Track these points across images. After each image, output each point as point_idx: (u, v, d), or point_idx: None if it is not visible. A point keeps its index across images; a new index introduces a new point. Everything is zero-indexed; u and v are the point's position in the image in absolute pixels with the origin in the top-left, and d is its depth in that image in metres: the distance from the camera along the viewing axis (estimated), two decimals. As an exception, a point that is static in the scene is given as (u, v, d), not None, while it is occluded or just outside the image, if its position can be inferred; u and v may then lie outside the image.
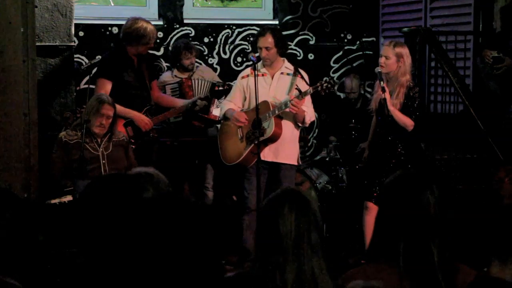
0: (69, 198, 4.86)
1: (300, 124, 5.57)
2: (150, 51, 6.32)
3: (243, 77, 5.62)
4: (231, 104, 5.64)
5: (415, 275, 2.31)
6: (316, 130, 7.79)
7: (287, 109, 5.32)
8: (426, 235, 2.37)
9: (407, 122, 5.28)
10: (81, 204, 2.13)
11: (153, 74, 6.13)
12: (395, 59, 5.31)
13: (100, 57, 6.02)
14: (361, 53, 7.81)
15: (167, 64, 7.25)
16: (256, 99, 5.22)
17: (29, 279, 2.34)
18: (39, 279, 2.63)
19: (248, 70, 5.61)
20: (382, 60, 5.35)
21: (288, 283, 2.16)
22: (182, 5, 7.34)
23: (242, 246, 5.44)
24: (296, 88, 5.37)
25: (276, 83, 5.50)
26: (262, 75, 5.53)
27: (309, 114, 5.46)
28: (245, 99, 5.62)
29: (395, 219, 2.41)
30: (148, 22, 5.82)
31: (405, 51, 5.35)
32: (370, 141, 5.67)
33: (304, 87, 5.45)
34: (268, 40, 5.42)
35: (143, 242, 2.07)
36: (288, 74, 5.57)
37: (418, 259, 2.35)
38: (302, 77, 5.56)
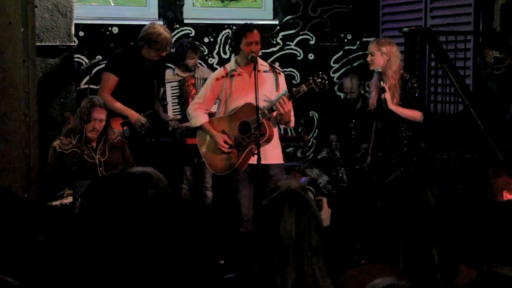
0: (69, 200, 4.86)
1: (283, 126, 5.43)
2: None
3: (217, 79, 5.32)
4: (204, 110, 5.35)
5: (414, 276, 2.31)
6: (316, 130, 7.79)
7: (276, 111, 5.13)
8: (427, 236, 2.37)
9: (414, 114, 5.29)
10: (85, 204, 2.13)
11: (161, 82, 6.13)
12: (379, 54, 5.34)
13: (99, 57, 6.03)
14: (361, 53, 7.81)
15: (168, 64, 7.23)
16: (256, 100, 4.97)
17: (29, 279, 2.34)
18: (39, 279, 2.63)
19: (222, 71, 5.36)
20: (368, 58, 5.41)
21: (289, 284, 2.16)
22: (182, 5, 7.34)
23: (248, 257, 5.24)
24: (289, 87, 5.27)
25: (255, 82, 5.05)
26: (239, 74, 5.29)
27: (293, 114, 5.26)
28: (219, 102, 5.38)
29: (396, 219, 2.41)
30: (165, 29, 5.82)
31: (389, 45, 5.37)
32: (372, 147, 5.62)
33: (284, 83, 5.36)
34: (257, 34, 5.22)
35: (144, 242, 2.07)
36: (265, 71, 5.32)
37: (418, 261, 2.35)
38: (280, 73, 5.39)
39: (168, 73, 6.67)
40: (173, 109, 6.36)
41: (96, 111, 5.15)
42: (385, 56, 5.33)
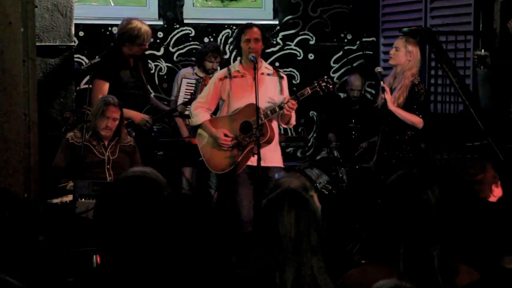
0: (70, 198, 4.86)
1: (284, 125, 5.43)
2: (147, 52, 6.36)
3: (220, 79, 5.35)
4: (205, 109, 5.38)
5: (414, 277, 2.31)
6: (317, 130, 7.79)
7: (282, 111, 5.15)
8: (427, 237, 2.37)
9: (414, 120, 5.26)
10: (104, 204, 2.14)
11: (148, 74, 6.17)
12: (404, 51, 5.31)
13: (99, 58, 6.01)
14: (361, 53, 7.81)
15: (167, 64, 7.25)
16: (256, 100, 4.99)
17: (29, 279, 2.34)
18: (39, 278, 2.63)
19: (226, 72, 5.39)
20: (392, 51, 5.38)
21: (288, 283, 2.16)
22: (182, 5, 7.34)
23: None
24: (292, 89, 5.29)
25: (258, 85, 5.09)
26: (242, 75, 5.31)
27: (294, 114, 5.31)
28: (222, 102, 5.39)
29: (396, 219, 2.41)
30: (142, 22, 5.83)
31: (415, 47, 5.37)
32: (378, 147, 5.60)
33: (287, 87, 5.40)
34: (257, 31, 5.26)
35: (154, 241, 2.09)
36: (268, 74, 5.36)
37: (418, 262, 2.35)
38: (283, 77, 5.42)
39: (188, 70, 6.76)
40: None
41: (110, 110, 5.20)
42: (408, 56, 5.31)
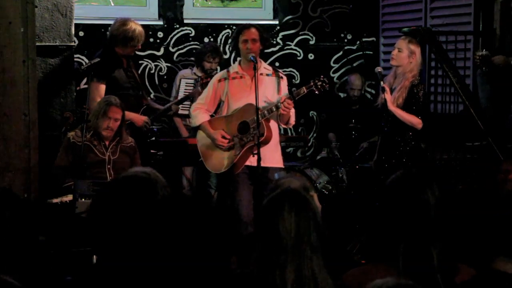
0: (69, 197, 4.86)
1: (283, 125, 5.43)
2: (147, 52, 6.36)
3: (219, 81, 5.38)
4: (204, 110, 5.40)
5: (414, 276, 2.31)
6: (317, 130, 7.79)
7: (279, 111, 5.15)
8: (426, 237, 2.37)
9: (413, 120, 5.25)
10: (100, 203, 2.14)
11: (140, 73, 6.18)
12: (407, 54, 5.30)
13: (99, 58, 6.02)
14: (361, 53, 7.81)
15: (167, 64, 7.25)
16: (256, 100, 4.98)
17: (29, 279, 2.34)
18: (39, 278, 2.63)
19: (225, 73, 5.41)
20: (394, 52, 5.35)
21: (288, 283, 2.16)
22: (182, 5, 7.34)
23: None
24: (289, 89, 5.29)
25: (255, 82, 5.07)
26: (241, 76, 5.33)
27: (294, 113, 5.32)
28: (222, 103, 5.41)
29: (396, 219, 2.42)
30: (136, 23, 5.81)
31: (418, 48, 5.35)
32: (378, 146, 5.59)
33: (285, 87, 5.40)
34: (254, 32, 5.27)
35: (153, 241, 2.09)
36: (267, 75, 5.37)
37: (417, 261, 2.35)
38: (282, 77, 5.43)
39: (186, 71, 6.77)
40: (182, 105, 6.36)
41: (112, 110, 5.21)
42: (411, 57, 5.30)
